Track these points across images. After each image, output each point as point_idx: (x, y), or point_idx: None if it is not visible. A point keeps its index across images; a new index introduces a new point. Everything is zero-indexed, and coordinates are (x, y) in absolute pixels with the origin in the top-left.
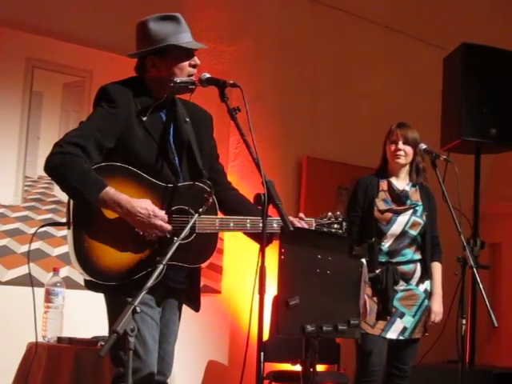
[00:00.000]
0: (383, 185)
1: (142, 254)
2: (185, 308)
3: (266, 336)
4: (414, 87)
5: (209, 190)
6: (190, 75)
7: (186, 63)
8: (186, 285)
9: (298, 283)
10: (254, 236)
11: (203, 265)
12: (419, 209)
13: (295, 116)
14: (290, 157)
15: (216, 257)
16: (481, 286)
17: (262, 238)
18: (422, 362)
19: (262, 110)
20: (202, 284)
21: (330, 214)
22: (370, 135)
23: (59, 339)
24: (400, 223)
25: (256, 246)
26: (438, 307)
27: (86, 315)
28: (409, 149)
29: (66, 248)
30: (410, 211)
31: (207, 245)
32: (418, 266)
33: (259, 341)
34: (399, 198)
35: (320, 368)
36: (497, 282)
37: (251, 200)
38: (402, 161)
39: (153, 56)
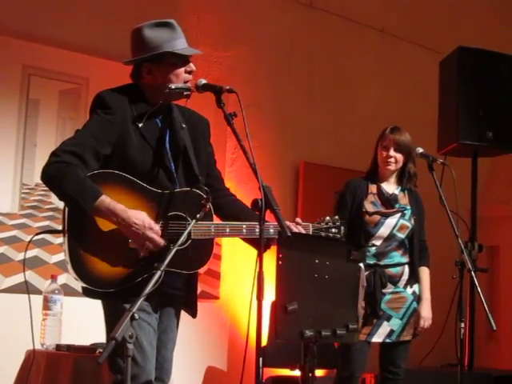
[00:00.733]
0: (372, 188)
1: (138, 260)
2: (183, 314)
3: (264, 341)
4: (411, 91)
5: (205, 196)
6: (185, 81)
7: (182, 69)
8: (183, 291)
9: (296, 288)
10: (252, 241)
11: (200, 270)
12: (407, 212)
13: (292, 121)
14: (288, 162)
15: (214, 263)
16: (479, 289)
17: (259, 244)
18: (421, 365)
19: (258, 115)
20: (200, 290)
21: (328, 218)
22: (367, 140)
23: (58, 346)
24: (388, 226)
25: (254, 252)
26: (426, 312)
27: (84, 322)
28: (399, 156)
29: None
30: (399, 214)
31: (203, 250)
32: (406, 268)
33: (258, 346)
34: (388, 202)
35: (319, 373)
36: (495, 285)
37: (249, 205)
38: (392, 167)
39: (148, 63)
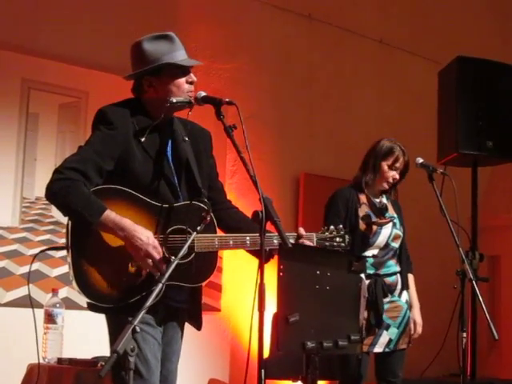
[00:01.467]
0: (362, 198)
1: (141, 275)
2: (186, 326)
3: (266, 353)
4: (410, 101)
5: (206, 208)
6: (187, 92)
7: (183, 80)
8: (187, 304)
9: (297, 299)
10: (256, 253)
11: (203, 283)
12: (397, 222)
13: (292, 132)
14: (288, 173)
15: (215, 275)
16: (480, 298)
17: (260, 255)
18: (423, 375)
19: (258, 127)
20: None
21: (332, 227)
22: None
23: (59, 360)
24: (384, 235)
25: (255, 264)
26: (419, 319)
27: (85, 336)
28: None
29: (65, 269)
30: (390, 224)
31: (207, 264)
32: (399, 277)
33: (260, 358)
34: (380, 212)
35: None
36: (496, 294)
37: (250, 217)
38: (388, 186)
39: (149, 76)
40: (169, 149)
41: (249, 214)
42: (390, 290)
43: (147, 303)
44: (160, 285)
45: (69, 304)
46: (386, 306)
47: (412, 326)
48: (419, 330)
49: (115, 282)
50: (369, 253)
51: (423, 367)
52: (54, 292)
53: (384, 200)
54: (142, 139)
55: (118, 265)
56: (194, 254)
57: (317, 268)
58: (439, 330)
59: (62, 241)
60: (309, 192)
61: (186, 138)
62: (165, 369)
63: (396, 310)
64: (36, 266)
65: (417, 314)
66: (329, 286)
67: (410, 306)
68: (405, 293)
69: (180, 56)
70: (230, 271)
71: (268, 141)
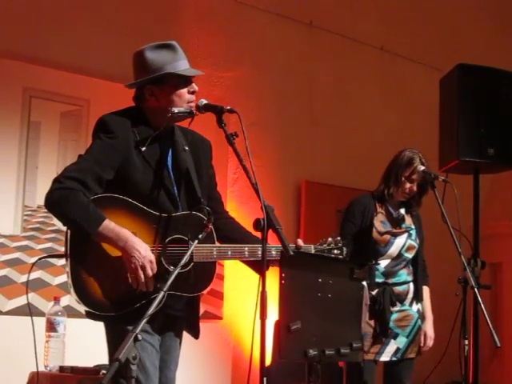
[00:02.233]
0: (380, 207)
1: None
2: (186, 335)
3: (268, 361)
4: (411, 109)
5: (207, 216)
6: (189, 102)
7: (185, 90)
8: (185, 312)
9: (299, 307)
10: (251, 264)
11: (202, 293)
12: (413, 232)
13: (293, 140)
14: (289, 181)
15: (217, 283)
16: (482, 306)
17: (259, 266)
18: (425, 383)
19: (260, 134)
20: (203, 310)
21: (330, 239)
22: (368, 158)
23: (61, 368)
24: (397, 245)
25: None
26: (431, 331)
27: (87, 344)
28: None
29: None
30: (406, 234)
31: (205, 274)
32: (411, 286)
33: (262, 366)
34: (397, 222)
35: None
36: (498, 301)
37: (250, 226)
38: (404, 198)
39: (151, 85)
40: (169, 158)
41: (250, 222)
42: (399, 298)
43: (149, 311)
44: (162, 293)
45: (71, 312)
46: (395, 315)
47: (422, 338)
48: (430, 343)
49: (114, 290)
50: (382, 262)
51: (425, 374)
52: (56, 300)
53: (402, 211)
54: (143, 149)
55: (116, 273)
56: (192, 264)
57: (319, 276)
58: (441, 338)
59: (64, 249)
60: (310, 199)
61: (186, 148)
62: (163, 376)
63: (406, 319)
64: (38, 274)
65: (429, 327)
66: (331, 294)
67: (422, 318)
68: (418, 303)
69: (182, 66)
70: (231, 279)
71: (269, 148)
